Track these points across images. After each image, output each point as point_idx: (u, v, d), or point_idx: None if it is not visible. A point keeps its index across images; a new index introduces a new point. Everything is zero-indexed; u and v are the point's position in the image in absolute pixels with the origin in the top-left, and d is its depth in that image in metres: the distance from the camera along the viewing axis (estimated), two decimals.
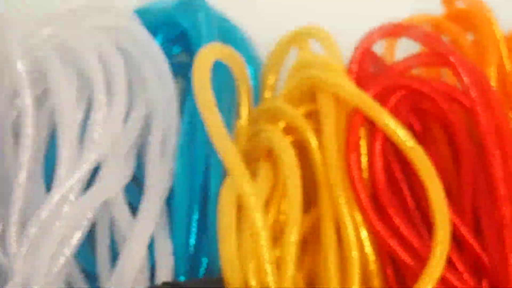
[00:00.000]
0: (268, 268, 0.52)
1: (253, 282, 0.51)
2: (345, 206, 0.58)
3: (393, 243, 0.57)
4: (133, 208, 0.61)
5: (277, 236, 0.59)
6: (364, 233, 0.59)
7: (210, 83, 0.58)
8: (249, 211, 0.53)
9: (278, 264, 0.54)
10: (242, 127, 0.65)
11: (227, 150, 0.55)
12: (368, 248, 0.59)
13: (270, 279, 0.52)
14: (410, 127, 0.65)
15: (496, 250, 0.57)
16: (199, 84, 0.58)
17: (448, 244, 0.55)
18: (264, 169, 0.61)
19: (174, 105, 0.65)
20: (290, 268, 0.54)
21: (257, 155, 0.64)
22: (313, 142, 0.61)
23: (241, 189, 0.54)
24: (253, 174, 0.59)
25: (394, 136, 0.59)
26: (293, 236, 0.55)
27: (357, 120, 0.61)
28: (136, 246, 0.56)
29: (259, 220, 0.53)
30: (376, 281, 0.59)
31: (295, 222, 0.56)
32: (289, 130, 0.64)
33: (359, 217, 0.59)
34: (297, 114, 0.63)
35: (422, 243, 0.58)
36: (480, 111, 0.59)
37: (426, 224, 0.60)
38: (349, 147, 0.60)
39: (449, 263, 0.58)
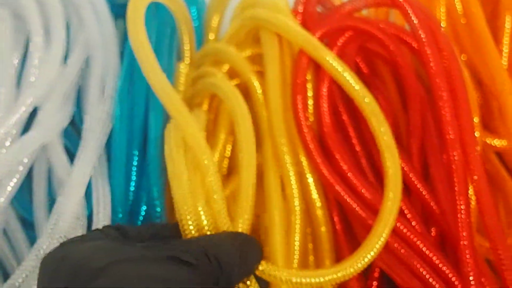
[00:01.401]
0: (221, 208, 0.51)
1: (205, 222, 0.49)
2: (287, 151, 0.57)
3: (340, 189, 0.56)
4: (72, 154, 0.59)
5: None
6: (310, 179, 0.58)
7: (144, 24, 0.55)
8: (198, 152, 0.51)
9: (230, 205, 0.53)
10: (184, 70, 0.63)
11: (168, 93, 0.53)
12: (315, 194, 0.58)
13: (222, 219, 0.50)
14: (357, 69, 0.65)
15: (444, 197, 0.56)
16: (133, 26, 0.55)
17: (400, 193, 0.54)
18: (206, 114, 0.60)
19: (114, 48, 0.63)
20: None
21: (200, 100, 0.62)
22: (256, 85, 0.59)
23: (187, 133, 0.52)
24: (198, 119, 0.58)
25: (340, 78, 0.57)
26: (250, 179, 0.53)
27: (303, 62, 0.59)
28: (73, 192, 0.54)
29: (209, 161, 0.51)
30: (323, 228, 0.58)
31: (250, 164, 0.54)
32: (232, 73, 0.63)
33: (305, 162, 0.58)
34: (239, 57, 0.61)
35: (370, 189, 0.57)
36: (429, 53, 0.57)
37: (375, 170, 0.59)
38: (295, 90, 0.59)
39: (401, 213, 0.57)
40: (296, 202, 0.56)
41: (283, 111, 0.58)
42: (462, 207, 0.54)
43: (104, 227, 0.46)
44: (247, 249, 0.48)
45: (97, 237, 0.44)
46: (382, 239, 0.52)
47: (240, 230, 0.50)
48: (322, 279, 0.50)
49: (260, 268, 0.50)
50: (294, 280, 0.50)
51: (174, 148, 0.52)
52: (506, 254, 0.53)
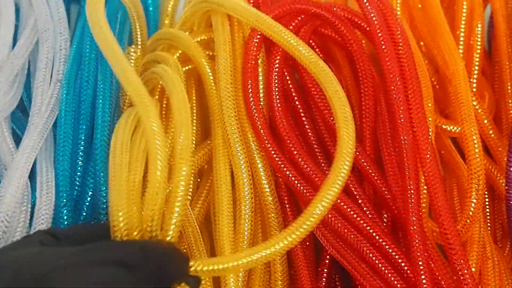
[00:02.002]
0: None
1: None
2: (237, 136, 0.56)
3: (290, 174, 0.55)
4: (20, 139, 0.57)
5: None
6: (260, 164, 0.57)
7: (104, 10, 0.55)
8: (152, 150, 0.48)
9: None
10: (135, 54, 0.62)
11: (131, 80, 0.52)
12: (264, 179, 0.57)
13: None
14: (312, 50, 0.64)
15: (395, 182, 0.56)
16: (94, 12, 0.54)
17: (347, 169, 0.51)
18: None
19: (64, 32, 0.61)
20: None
21: (151, 88, 0.61)
22: (208, 70, 0.59)
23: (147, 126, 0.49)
24: None
25: (295, 52, 0.56)
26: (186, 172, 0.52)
27: (254, 42, 0.59)
28: (15, 176, 0.53)
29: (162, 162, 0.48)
30: (273, 214, 0.57)
31: (186, 161, 0.52)
32: (186, 58, 0.62)
33: (255, 147, 0.57)
34: (190, 42, 0.60)
35: (321, 175, 0.56)
36: (380, 35, 0.57)
37: (327, 158, 0.59)
38: (245, 72, 0.58)
39: (349, 194, 0.56)
40: (246, 189, 0.55)
41: (234, 96, 0.57)
42: (412, 191, 0.53)
43: (36, 232, 0.45)
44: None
45: (32, 244, 0.43)
46: (319, 209, 0.49)
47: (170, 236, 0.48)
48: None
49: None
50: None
51: (119, 145, 0.50)
52: (455, 239, 0.52)
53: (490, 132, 0.62)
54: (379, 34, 0.57)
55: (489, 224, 0.61)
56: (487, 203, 0.61)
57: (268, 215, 0.57)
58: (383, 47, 0.56)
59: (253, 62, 0.58)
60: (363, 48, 0.60)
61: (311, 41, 0.63)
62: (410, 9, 0.66)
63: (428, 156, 0.54)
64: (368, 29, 0.59)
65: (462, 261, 0.52)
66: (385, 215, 0.57)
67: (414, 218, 0.53)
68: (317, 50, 0.64)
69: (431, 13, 0.64)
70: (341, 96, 0.53)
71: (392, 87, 0.55)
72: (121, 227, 0.45)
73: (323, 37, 0.63)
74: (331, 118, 0.58)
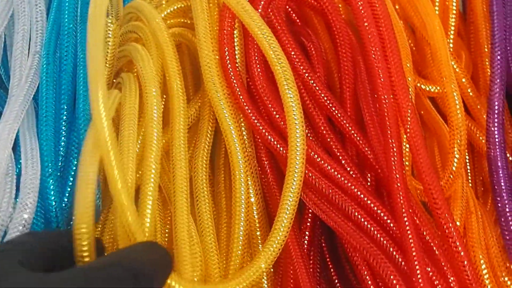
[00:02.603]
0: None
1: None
2: (218, 98, 0.56)
3: (267, 132, 0.56)
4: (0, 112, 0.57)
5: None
6: (241, 124, 0.58)
7: None
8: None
9: None
10: (114, 26, 0.61)
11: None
12: (246, 140, 0.58)
13: None
14: (289, 19, 0.65)
15: (378, 141, 0.57)
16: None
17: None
18: (126, 80, 0.58)
19: (40, 2, 0.61)
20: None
21: (121, 65, 0.62)
22: (170, 48, 0.58)
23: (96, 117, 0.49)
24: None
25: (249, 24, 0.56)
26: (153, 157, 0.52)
27: (228, 9, 0.58)
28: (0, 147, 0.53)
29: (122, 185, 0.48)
30: (252, 171, 0.57)
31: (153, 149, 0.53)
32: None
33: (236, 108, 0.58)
34: (155, 16, 0.59)
35: None
36: None
37: (308, 120, 0.59)
38: (222, 40, 0.58)
39: (332, 156, 0.57)
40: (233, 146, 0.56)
41: (216, 64, 0.57)
42: (395, 150, 0.54)
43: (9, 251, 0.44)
44: (159, 261, 0.46)
45: (11, 270, 0.41)
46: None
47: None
48: None
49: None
50: None
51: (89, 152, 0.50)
52: (439, 195, 0.53)
53: (469, 90, 0.63)
54: None
55: (470, 181, 0.62)
56: (467, 160, 0.62)
57: (250, 172, 0.57)
58: (360, 8, 0.56)
59: (229, 29, 0.58)
60: (339, 11, 0.61)
61: (288, 7, 0.64)
62: None
63: (409, 114, 0.55)
64: None
65: (446, 215, 0.53)
66: (368, 174, 0.58)
67: (397, 176, 0.53)
68: (294, 15, 0.64)
69: None
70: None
71: (371, 48, 0.56)
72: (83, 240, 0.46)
73: (300, 2, 0.63)
74: (312, 82, 0.58)
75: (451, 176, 0.56)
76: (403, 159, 0.55)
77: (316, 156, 0.55)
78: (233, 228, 0.55)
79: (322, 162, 0.55)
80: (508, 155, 0.58)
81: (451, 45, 0.65)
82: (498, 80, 0.59)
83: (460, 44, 0.66)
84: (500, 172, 0.57)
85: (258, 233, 0.56)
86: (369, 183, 0.57)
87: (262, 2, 0.58)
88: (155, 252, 0.46)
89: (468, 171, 0.62)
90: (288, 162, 0.53)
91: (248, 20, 0.55)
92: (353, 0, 0.57)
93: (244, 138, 0.57)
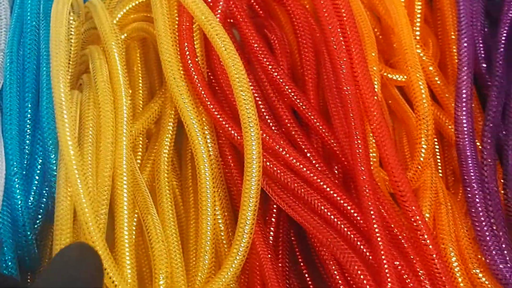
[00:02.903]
0: None
1: None
2: (179, 93, 0.55)
3: (229, 125, 0.55)
4: None
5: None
6: (203, 119, 0.56)
7: None
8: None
9: None
10: (77, 23, 0.60)
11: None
12: (209, 134, 0.57)
13: None
14: (253, 11, 0.64)
15: (343, 133, 0.56)
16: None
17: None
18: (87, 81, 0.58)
19: (3, 0, 0.60)
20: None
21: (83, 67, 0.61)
22: (152, 32, 0.58)
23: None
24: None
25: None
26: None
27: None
28: None
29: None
30: (215, 165, 0.56)
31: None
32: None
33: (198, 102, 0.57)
34: (105, 18, 0.58)
35: (268, 131, 0.55)
36: None
37: (272, 114, 0.58)
38: (181, 34, 0.57)
39: (298, 149, 0.56)
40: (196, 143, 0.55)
41: (176, 59, 0.56)
42: (359, 142, 0.53)
43: None
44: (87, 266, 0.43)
45: None
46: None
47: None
48: None
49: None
50: None
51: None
52: (405, 187, 0.52)
53: (436, 78, 0.62)
54: None
55: (440, 171, 0.61)
56: (437, 150, 0.61)
57: (215, 166, 0.56)
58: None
59: (187, 24, 0.57)
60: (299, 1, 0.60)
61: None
62: None
63: (373, 105, 0.54)
64: None
65: (413, 207, 0.52)
66: (336, 167, 0.57)
67: (363, 168, 0.52)
68: (257, 8, 0.63)
69: None
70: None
71: (332, 39, 0.54)
72: None
73: None
74: (275, 74, 0.57)
75: (419, 167, 0.55)
76: (369, 151, 0.54)
77: (280, 148, 0.54)
78: (200, 226, 0.54)
79: (287, 155, 0.54)
80: (478, 143, 0.57)
81: (417, 33, 0.63)
82: (465, 68, 0.58)
83: (428, 31, 0.65)
84: (469, 161, 0.56)
85: (222, 236, 0.56)
86: (336, 176, 0.56)
87: None
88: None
89: (438, 161, 0.61)
90: (245, 155, 0.52)
91: (199, 15, 0.54)
92: None
93: (206, 132, 0.56)
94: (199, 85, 0.55)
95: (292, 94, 0.57)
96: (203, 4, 0.55)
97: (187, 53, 0.56)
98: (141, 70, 0.63)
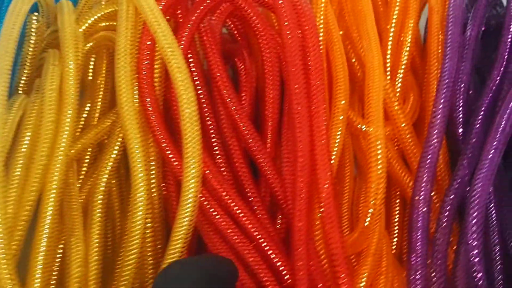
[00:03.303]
0: None
1: None
2: (127, 116, 0.53)
3: (172, 155, 0.52)
4: None
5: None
6: (149, 146, 0.54)
7: None
8: None
9: None
10: (39, 24, 0.58)
11: None
12: (154, 159, 0.54)
13: None
14: (231, 36, 0.61)
15: (290, 185, 0.52)
16: None
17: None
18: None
19: None
20: None
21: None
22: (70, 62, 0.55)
23: None
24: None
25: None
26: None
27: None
28: None
29: None
30: (156, 194, 0.54)
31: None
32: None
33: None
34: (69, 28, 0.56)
35: (215, 170, 0.52)
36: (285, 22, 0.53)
37: (224, 149, 0.55)
38: (142, 53, 0.54)
39: (243, 194, 0.53)
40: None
41: (131, 79, 0.54)
42: (302, 197, 0.50)
43: None
44: None
45: None
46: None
47: None
48: None
49: None
50: None
51: None
52: (338, 250, 0.49)
53: (408, 136, 0.57)
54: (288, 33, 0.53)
55: (396, 237, 0.57)
56: (397, 213, 0.58)
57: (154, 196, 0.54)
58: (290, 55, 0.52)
59: (148, 43, 0.54)
60: (271, 37, 0.56)
61: (230, 24, 0.60)
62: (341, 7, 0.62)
63: (323, 163, 0.51)
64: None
65: (343, 275, 0.49)
66: (280, 216, 0.54)
67: (299, 224, 0.49)
68: (235, 32, 0.60)
69: (359, 3, 0.59)
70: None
71: (295, 86, 0.51)
72: None
73: (238, 16, 0.59)
74: (234, 108, 0.54)
75: (363, 231, 0.52)
76: (311, 208, 0.51)
77: (223, 192, 0.51)
78: (125, 254, 0.51)
79: (230, 200, 0.51)
80: None
81: (399, 84, 0.59)
82: (436, 131, 0.54)
83: (412, 83, 0.61)
84: (419, 234, 0.52)
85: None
86: (278, 228, 0.53)
87: (191, 22, 0.54)
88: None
89: (396, 224, 0.57)
90: (181, 191, 0.49)
91: (160, 37, 0.51)
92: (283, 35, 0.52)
93: (150, 164, 0.54)
94: (149, 108, 0.53)
95: (248, 135, 0.54)
96: (166, 26, 0.52)
97: (144, 72, 0.53)
98: (105, 82, 0.60)
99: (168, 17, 0.55)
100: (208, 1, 0.55)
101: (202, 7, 0.55)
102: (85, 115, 0.58)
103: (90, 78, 0.61)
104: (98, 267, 0.51)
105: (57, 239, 0.52)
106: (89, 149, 0.57)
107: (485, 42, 0.63)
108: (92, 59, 0.61)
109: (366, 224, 0.52)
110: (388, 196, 0.59)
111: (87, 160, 0.57)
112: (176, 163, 0.52)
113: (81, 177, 0.56)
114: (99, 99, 0.59)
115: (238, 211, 0.51)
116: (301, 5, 0.53)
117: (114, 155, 0.55)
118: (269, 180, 0.53)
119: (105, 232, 0.54)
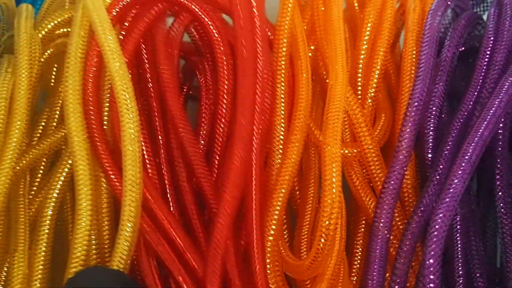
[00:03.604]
0: None
1: None
2: (76, 143, 0.50)
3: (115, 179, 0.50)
4: None
5: None
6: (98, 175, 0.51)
7: None
8: None
9: None
10: None
11: None
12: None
13: None
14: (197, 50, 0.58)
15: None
16: None
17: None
18: None
19: None
20: None
21: None
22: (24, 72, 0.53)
23: None
24: None
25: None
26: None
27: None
28: None
29: None
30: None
31: None
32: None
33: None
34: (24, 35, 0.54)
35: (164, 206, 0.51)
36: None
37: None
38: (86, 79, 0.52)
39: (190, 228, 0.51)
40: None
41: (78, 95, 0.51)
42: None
43: None
44: None
45: None
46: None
47: None
48: None
49: None
50: None
51: None
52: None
53: (375, 159, 0.55)
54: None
55: (357, 262, 0.55)
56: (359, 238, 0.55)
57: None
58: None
59: (95, 60, 0.52)
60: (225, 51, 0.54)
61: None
62: (313, 11, 0.59)
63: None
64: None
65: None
66: None
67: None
68: (199, 43, 0.58)
69: (330, 17, 0.57)
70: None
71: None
72: None
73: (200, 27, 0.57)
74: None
75: (317, 255, 0.49)
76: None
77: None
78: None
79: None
80: None
81: (370, 103, 0.57)
82: (400, 157, 0.52)
83: (384, 103, 0.58)
84: (376, 264, 0.50)
85: None
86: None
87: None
88: None
89: (359, 250, 0.55)
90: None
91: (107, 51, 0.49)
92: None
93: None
94: (97, 138, 0.51)
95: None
96: (114, 39, 0.50)
97: (90, 82, 0.51)
98: None
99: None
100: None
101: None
102: (43, 123, 0.57)
103: (52, 84, 0.59)
104: (43, 285, 0.49)
105: (4, 253, 0.51)
106: (44, 159, 0.55)
107: (466, 63, 0.60)
108: (55, 66, 0.59)
109: (320, 246, 0.49)
110: (354, 220, 0.57)
111: (41, 171, 0.55)
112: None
113: (34, 188, 0.55)
114: (58, 107, 0.57)
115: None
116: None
117: (69, 166, 0.53)
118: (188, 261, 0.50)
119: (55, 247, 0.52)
